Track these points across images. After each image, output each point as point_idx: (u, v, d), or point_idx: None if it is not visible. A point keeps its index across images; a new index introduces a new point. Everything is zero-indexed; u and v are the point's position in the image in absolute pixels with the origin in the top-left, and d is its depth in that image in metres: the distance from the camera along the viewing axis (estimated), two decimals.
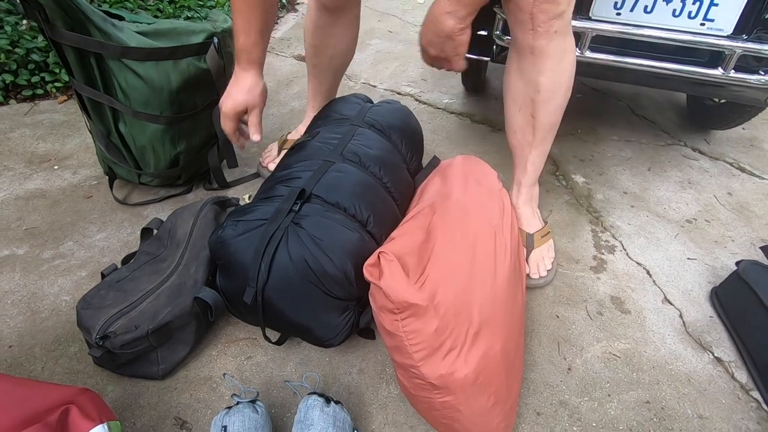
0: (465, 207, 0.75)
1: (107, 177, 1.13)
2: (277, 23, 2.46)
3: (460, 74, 1.81)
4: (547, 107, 0.87)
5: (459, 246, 0.67)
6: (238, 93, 0.85)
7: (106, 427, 0.52)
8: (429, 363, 0.59)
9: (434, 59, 0.79)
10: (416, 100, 1.70)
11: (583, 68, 0.98)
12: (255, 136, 0.88)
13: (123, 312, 0.71)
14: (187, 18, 1.94)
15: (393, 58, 1.98)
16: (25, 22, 1.52)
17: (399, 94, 1.72)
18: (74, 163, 1.24)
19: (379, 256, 0.61)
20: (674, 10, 0.99)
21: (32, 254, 0.96)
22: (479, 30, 1.20)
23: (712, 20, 0.98)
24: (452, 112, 1.63)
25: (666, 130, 1.58)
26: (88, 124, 1.06)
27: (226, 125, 0.87)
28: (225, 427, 0.61)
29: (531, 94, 0.86)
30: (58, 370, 0.76)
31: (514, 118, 0.93)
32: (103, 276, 0.81)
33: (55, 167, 1.22)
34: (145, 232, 0.91)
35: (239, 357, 0.80)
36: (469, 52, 1.32)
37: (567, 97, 0.89)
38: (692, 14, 0.99)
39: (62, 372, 0.76)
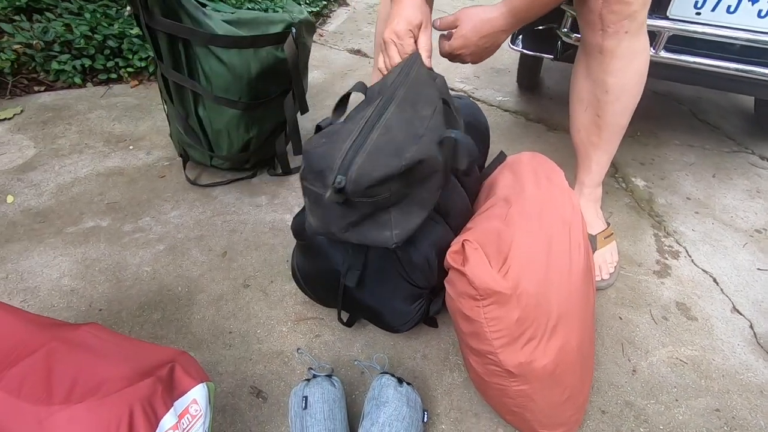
0: (540, 202, 0.76)
1: (180, 158, 1.19)
2: (329, 17, 2.50)
3: (515, 73, 1.80)
4: (614, 108, 0.86)
5: (537, 239, 0.68)
6: (408, 9, 0.72)
7: (205, 386, 0.56)
8: (508, 351, 0.60)
9: (459, 58, 0.80)
10: (469, 96, 1.70)
11: (655, 69, 0.96)
12: (428, 60, 0.75)
13: (357, 145, 0.57)
14: (265, 9, 2.00)
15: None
16: (128, 8, 1.61)
17: (452, 90, 1.73)
18: (147, 144, 1.31)
19: (463, 244, 0.63)
20: (760, 11, 0.96)
21: (114, 227, 1.03)
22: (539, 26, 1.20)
23: None
24: (506, 110, 1.62)
25: (731, 137, 1.52)
26: (166, 108, 1.12)
27: (396, 48, 0.73)
28: (306, 398, 0.64)
29: (598, 93, 0.85)
30: (144, 335, 0.81)
31: (580, 117, 0.92)
32: (319, 128, 0.65)
33: (130, 147, 1.29)
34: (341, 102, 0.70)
35: (308, 335, 0.83)
36: (531, 50, 1.32)
37: (637, 99, 0.87)
38: None
39: (147, 337, 0.81)
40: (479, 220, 0.72)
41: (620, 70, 0.82)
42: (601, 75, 0.83)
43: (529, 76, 1.74)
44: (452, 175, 0.82)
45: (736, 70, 1.03)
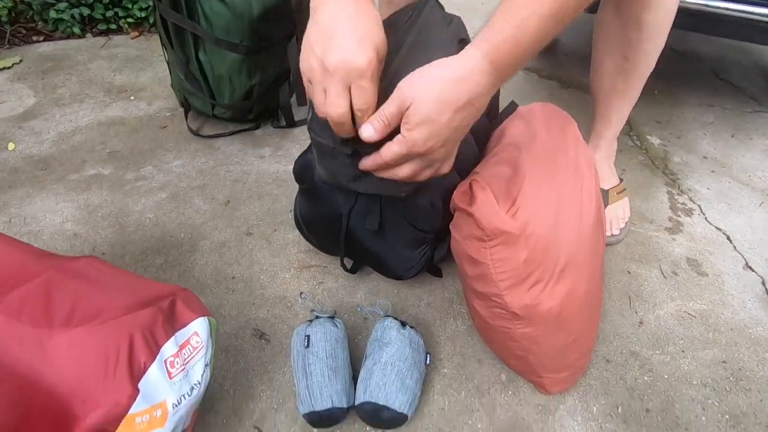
0: (551, 149, 0.73)
1: (181, 108, 1.16)
2: None
3: None
4: (644, 48, 0.81)
5: (547, 184, 0.65)
6: (371, 26, 0.47)
7: (206, 320, 0.56)
8: (514, 292, 0.59)
9: (423, 166, 0.51)
10: None
11: (679, 18, 0.90)
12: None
13: None
14: None
15: (455, 9, 1.90)
16: None
17: None
18: (149, 95, 1.28)
19: (471, 183, 0.61)
20: None
21: (116, 175, 1.02)
22: None
23: None
24: None
25: (754, 97, 1.46)
26: (166, 54, 1.08)
27: (363, 97, 0.47)
28: (308, 337, 0.64)
29: (629, 33, 0.81)
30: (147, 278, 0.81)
31: (604, 62, 0.88)
32: None
33: (132, 98, 1.26)
34: None
35: (311, 281, 0.82)
36: None
37: (665, 40, 0.83)
38: None
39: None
40: (488, 165, 0.70)
41: (657, 4, 0.77)
42: (635, 11, 0.78)
43: None
44: None
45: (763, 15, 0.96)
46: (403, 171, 0.51)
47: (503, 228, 0.57)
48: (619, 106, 0.91)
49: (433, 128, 0.46)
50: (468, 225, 0.61)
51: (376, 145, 0.50)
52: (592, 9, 1.01)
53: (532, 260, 0.58)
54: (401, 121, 0.47)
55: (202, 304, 0.58)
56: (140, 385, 0.45)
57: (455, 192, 0.62)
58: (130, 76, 1.35)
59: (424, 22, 0.64)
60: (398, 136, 0.48)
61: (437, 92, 0.45)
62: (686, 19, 1.04)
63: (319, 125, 0.57)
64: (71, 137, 1.11)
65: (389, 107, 0.47)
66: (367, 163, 0.52)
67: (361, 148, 0.52)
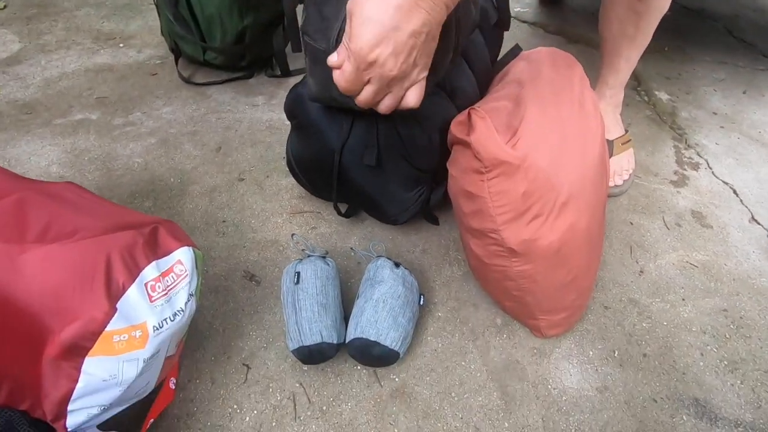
0: (556, 84, 0.69)
1: (172, 55, 1.12)
2: None
3: None
4: None
5: (550, 118, 0.62)
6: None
7: (191, 250, 0.53)
8: (512, 227, 0.57)
9: (378, 79, 0.45)
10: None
11: None
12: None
13: None
14: None
15: None
16: None
17: None
18: (138, 43, 1.23)
19: (469, 113, 0.57)
20: None
21: (104, 120, 0.98)
22: None
23: None
24: (524, 21, 1.50)
25: (767, 54, 1.40)
26: None
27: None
28: (298, 273, 0.62)
29: None
30: None
31: (615, 5, 0.83)
32: None
33: (121, 45, 1.22)
34: None
35: (304, 227, 0.80)
36: None
37: None
38: None
39: None
40: (489, 100, 0.66)
41: None
42: None
43: None
44: (464, 60, 0.75)
45: None
46: (363, 95, 0.46)
47: (502, 158, 0.54)
48: (628, 52, 0.87)
49: (374, 30, 0.41)
50: (465, 157, 0.58)
51: None
52: None
53: (532, 193, 0.56)
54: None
55: (186, 235, 0.56)
56: (119, 304, 0.43)
57: (453, 122, 0.59)
58: (119, 23, 1.30)
59: None
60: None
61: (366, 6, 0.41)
62: None
63: (315, 27, 0.53)
64: (57, 83, 1.07)
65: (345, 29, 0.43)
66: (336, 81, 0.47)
67: None
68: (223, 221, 0.80)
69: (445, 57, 0.59)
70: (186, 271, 0.52)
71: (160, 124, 0.98)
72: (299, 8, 1.05)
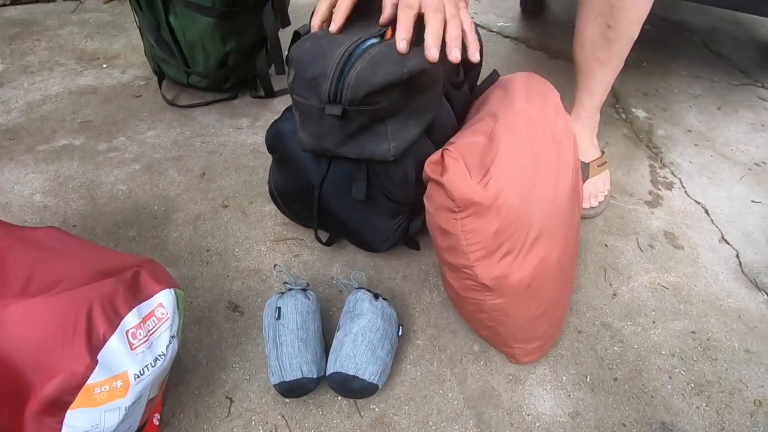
0: (529, 116, 0.71)
1: (156, 77, 1.12)
2: None
3: None
4: (627, 15, 0.79)
5: (522, 153, 0.64)
6: None
7: (173, 292, 0.55)
8: (484, 264, 0.59)
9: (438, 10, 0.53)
10: None
11: None
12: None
13: (353, 51, 0.54)
14: None
15: None
16: None
17: None
18: (122, 63, 1.23)
19: (442, 154, 0.59)
20: None
21: (88, 145, 0.99)
22: None
23: None
24: (506, 36, 1.52)
25: (742, 69, 1.44)
26: (137, 19, 1.04)
27: None
28: (279, 309, 0.64)
29: None
30: (120, 250, 0.80)
31: (587, 29, 0.86)
32: (297, 35, 0.61)
33: (104, 65, 1.22)
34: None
35: (287, 254, 0.82)
36: None
37: (649, 6, 0.80)
38: None
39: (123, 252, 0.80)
40: (463, 134, 0.68)
41: None
42: None
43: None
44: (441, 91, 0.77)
45: None
46: (430, 29, 0.53)
47: (474, 198, 0.56)
48: (602, 76, 0.90)
49: None
50: (439, 195, 0.60)
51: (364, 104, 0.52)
52: None
53: (504, 231, 0.58)
54: None
55: (168, 275, 0.57)
56: (99, 356, 0.44)
57: (427, 162, 0.61)
58: (103, 42, 1.30)
59: None
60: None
61: None
62: None
63: (303, 86, 0.55)
64: (40, 106, 1.07)
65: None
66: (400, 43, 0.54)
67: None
68: (207, 250, 0.81)
69: (436, 105, 0.61)
70: (167, 314, 0.53)
71: (145, 149, 0.99)
72: (281, 31, 1.06)
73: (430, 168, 0.60)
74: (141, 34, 1.08)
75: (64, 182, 0.91)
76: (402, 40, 0.54)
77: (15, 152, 0.96)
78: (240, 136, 1.04)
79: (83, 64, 1.22)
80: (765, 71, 1.43)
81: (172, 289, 0.55)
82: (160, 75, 1.09)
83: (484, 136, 0.67)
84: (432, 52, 0.53)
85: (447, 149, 0.60)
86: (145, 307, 0.52)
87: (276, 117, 1.09)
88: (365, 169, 0.65)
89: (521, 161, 0.62)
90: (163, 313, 0.53)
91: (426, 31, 0.53)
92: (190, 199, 0.90)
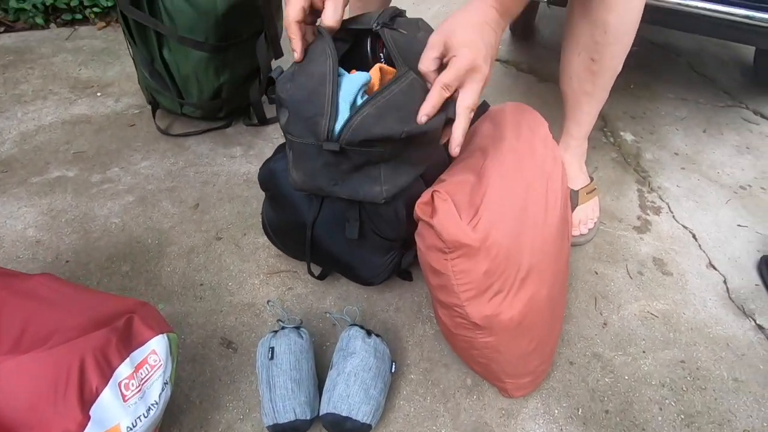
0: (518, 152, 0.73)
1: (149, 106, 1.13)
2: None
3: None
4: (611, 50, 0.81)
5: (511, 190, 0.66)
6: None
7: (166, 337, 0.55)
8: (475, 303, 0.60)
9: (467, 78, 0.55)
10: None
11: (651, 14, 0.90)
12: (330, 20, 0.60)
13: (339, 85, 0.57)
14: None
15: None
16: None
17: None
18: (116, 91, 1.24)
19: (432, 195, 0.60)
20: None
21: (82, 177, 0.99)
22: None
23: None
24: (498, 60, 1.55)
25: (727, 91, 1.47)
26: (131, 51, 1.05)
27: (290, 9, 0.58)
28: (272, 348, 0.64)
29: (596, 35, 0.80)
30: (112, 287, 0.80)
31: (573, 63, 0.88)
32: (272, 80, 0.63)
33: (98, 94, 1.23)
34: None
35: (281, 288, 0.82)
36: None
37: (632, 41, 0.83)
38: None
39: (116, 289, 0.80)
40: (453, 172, 0.70)
41: (622, 5, 0.77)
42: (601, 13, 0.78)
43: (523, 23, 1.65)
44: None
45: (739, 15, 0.97)
46: (465, 101, 0.56)
47: (463, 240, 0.57)
48: (588, 108, 0.91)
49: (472, 44, 0.54)
50: (430, 235, 0.61)
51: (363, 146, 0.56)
52: (564, 2, 1.00)
53: (493, 271, 0.59)
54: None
55: (161, 319, 0.58)
56: (92, 410, 0.45)
57: (417, 203, 0.62)
58: (97, 70, 1.31)
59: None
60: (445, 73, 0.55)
61: (472, 40, 0.54)
62: (661, 16, 1.04)
63: (300, 125, 0.56)
64: (34, 137, 1.08)
65: (428, 54, 0.56)
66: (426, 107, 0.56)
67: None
68: (201, 284, 0.82)
69: (432, 155, 0.63)
70: (160, 361, 0.54)
71: (138, 180, 1.00)
72: (274, 62, 1.07)
73: (420, 209, 0.61)
74: (135, 65, 1.09)
75: (57, 216, 0.91)
76: (424, 115, 0.56)
77: (8, 185, 0.96)
78: (234, 165, 1.05)
79: (77, 92, 1.22)
80: (749, 93, 1.46)
81: (164, 334, 0.56)
82: (154, 104, 1.10)
83: (473, 173, 0.68)
84: (455, 151, 0.57)
85: (437, 190, 0.61)
86: (138, 354, 0.52)
87: (269, 145, 1.11)
88: (358, 210, 0.66)
89: (510, 200, 0.64)
90: (156, 360, 0.53)
91: (455, 126, 0.56)
92: (183, 231, 0.90)
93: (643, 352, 0.78)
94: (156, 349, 0.54)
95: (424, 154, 0.64)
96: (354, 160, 0.59)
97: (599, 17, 0.78)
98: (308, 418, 0.60)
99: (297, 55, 0.61)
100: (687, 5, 0.98)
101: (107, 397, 0.46)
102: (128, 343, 0.52)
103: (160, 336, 0.55)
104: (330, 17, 0.60)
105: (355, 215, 0.67)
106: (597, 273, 0.90)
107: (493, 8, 0.57)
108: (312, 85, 0.56)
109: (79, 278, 0.81)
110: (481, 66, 0.54)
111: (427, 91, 0.56)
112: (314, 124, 0.56)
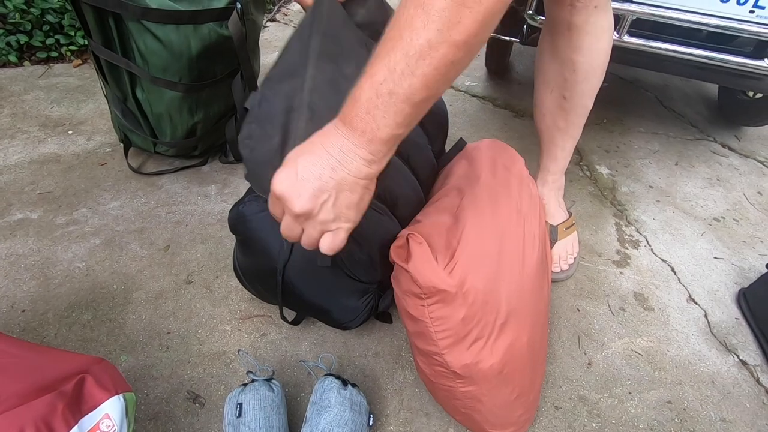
0: (494, 192, 0.72)
1: (122, 144, 1.11)
2: None
3: (483, 56, 1.75)
4: (581, 88, 0.83)
5: (488, 232, 0.64)
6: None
7: (122, 398, 0.51)
8: (454, 351, 0.57)
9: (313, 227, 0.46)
10: None
11: (619, 54, 0.93)
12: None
13: (288, 136, 0.56)
14: None
15: None
16: None
17: None
18: (88, 129, 1.21)
19: (408, 238, 0.59)
20: None
21: (46, 219, 0.95)
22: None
23: (762, 7, 0.92)
24: (474, 95, 1.58)
25: (695, 124, 1.52)
26: (104, 89, 1.03)
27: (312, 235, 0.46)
28: (240, 405, 0.60)
29: (565, 73, 0.82)
30: (72, 337, 0.75)
31: (545, 101, 0.89)
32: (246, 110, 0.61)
33: (69, 132, 1.20)
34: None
35: (253, 334, 0.78)
36: (497, 33, 1.28)
37: (601, 80, 0.85)
38: (741, 0, 0.93)
39: (75, 339, 0.75)
40: (428, 212, 0.68)
41: (588, 47, 0.79)
42: (569, 53, 0.80)
43: (498, 59, 1.70)
44: (403, 160, 0.77)
45: (700, 56, 1.01)
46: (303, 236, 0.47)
47: (440, 286, 0.55)
48: (563, 142, 0.93)
49: (289, 183, 0.43)
50: (406, 280, 0.59)
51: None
52: (535, 42, 1.03)
53: (471, 317, 0.57)
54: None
55: (117, 377, 0.54)
56: None
57: (392, 246, 0.60)
58: (70, 108, 1.28)
59: (328, 20, 0.58)
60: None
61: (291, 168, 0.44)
62: (629, 56, 1.08)
63: (251, 178, 0.55)
64: None
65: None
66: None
67: None
68: (168, 333, 0.77)
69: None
70: (114, 425, 0.49)
71: (106, 221, 0.96)
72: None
73: (395, 252, 0.59)
74: (108, 104, 1.07)
75: (15, 261, 0.86)
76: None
77: None
78: (208, 205, 1.02)
79: (47, 131, 1.19)
80: (715, 126, 1.52)
81: (120, 395, 0.51)
82: (127, 143, 1.08)
83: (449, 214, 0.67)
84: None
85: (412, 233, 0.59)
86: (89, 420, 0.48)
87: (244, 183, 1.09)
88: (278, 253, 0.64)
89: (487, 243, 0.62)
90: (109, 425, 0.49)
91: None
92: (152, 275, 0.86)
93: (629, 393, 0.75)
94: (110, 412, 0.49)
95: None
96: None
97: (567, 57, 0.80)
98: None
99: None
100: (651, 47, 1.02)
101: None
102: (77, 408, 0.47)
103: (115, 398, 0.50)
104: None
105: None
106: (579, 310, 0.88)
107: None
108: (262, 136, 0.54)
109: (34, 329, 0.75)
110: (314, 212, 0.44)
111: (329, 83, 0.56)
112: (261, 181, 0.53)
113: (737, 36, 0.96)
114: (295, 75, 0.57)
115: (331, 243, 0.46)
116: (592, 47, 0.79)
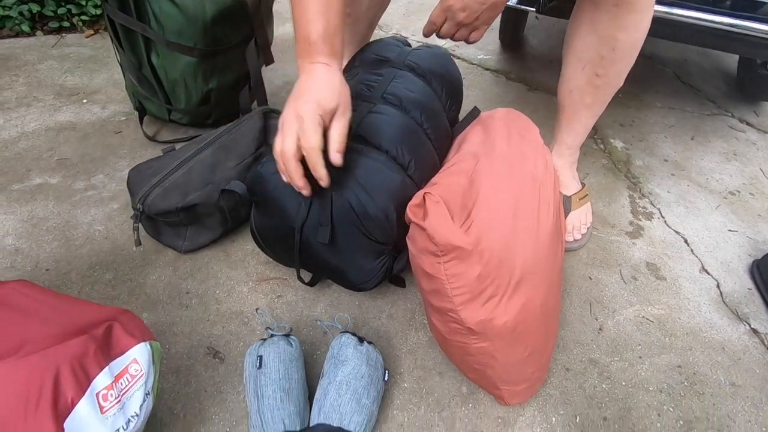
0: (509, 158, 0.72)
1: (136, 113, 1.11)
2: None
3: (497, 30, 1.72)
4: (618, 68, 0.81)
5: (503, 195, 0.65)
6: (322, 89, 0.59)
7: (148, 345, 0.53)
8: (469, 308, 0.58)
9: (458, 26, 0.70)
10: (450, 54, 1.62)
11: None
12: (337, 156, 0.60)
13: (160, 182, 0.78)
14: None
15: (426, 9, 1.88)
16: None
17: (428, 46, 1.65)
18: (103, 98, 1.22)
19: (424, 197, 0.59)
20: None
21: (65, 184, 0.97)
22: None
23: None
24: (487, 69, 1.56)
25: (712, 99, 1.50)
26: (118, 56, 1.03)
27: (310, 138, 0.57)
28: (260, 357, 0.62)
29: (603, 51, 0.79)
30: (94, 295, 0.77)
31: (575, 77, 0.86)
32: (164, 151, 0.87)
33: (84, 101, 1.21)
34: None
35: (270, 295, 0.80)
36: (513, 2, 1.25)
37: (635, 58, 0.82)
38: None
39: (98, 297, 0.77)
40: (444, 175, 0.69)
41: (634, 25, 0.75)
42: (611, 30, 0.76)
43: (512, 33, 1.67)
44: (418, 125, 0.77)
45: (725, 24, 0.98)
46: (443, 28, 0.72)
47: (456, 243, 0.56)
48: (586, 119, 0.91)
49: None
50: (422, 239, 0.60)
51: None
52: (562, 14, 1.01)
53: (486, 275, 0.57)
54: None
55: (143, 327, 0.55)
56: (66, 423, 0.42)
57: (409, 205, 0.61)
58: (83, 77, 1.29)
59: (243, 127, 0.89)
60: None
61: None
62: (652, 26, 1.06)
63: (131, 195, 0.77)
64: (16, 144, 1.05)
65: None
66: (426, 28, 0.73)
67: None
68: (187, 293, 0.79)
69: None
70: (142, 370, 0.51)
71: (123, 186, 0.97)
72: (264, 68, 1.07)
73: (411, 211, 0.60)
74: (122, 71, 1.07)
75: (38, 224, 0.88)
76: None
77: None
78: None
79: (62, 99, 1.20)
80: (733, 101, 1.49)
81: (147, 342, 0.53)
82: (141, 111, 1.08)
83: (465, 177, 0.67)
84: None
85: (428, 192, 0.60)
86: (118, 364, 0.50)
87: None
88: (329, 214, 0.65)
89: (502, 206, 0.63)
90: (137, 370, 0.51)
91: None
92: None
93: (640, 357, 0.76)
94: (137, 357, 0.51)
95: (214, 221, 0.83)
96: (161, 225, 0.83)
97: (609, 34, 0.77)
98: (298, 429, 0.57)
99: (306, 191, 0.61)
100: (672, 14, 1.00)
101: (83, 409, 0.44)
102: (107, 351, 0.49)
103: (142, 344, 0.52)
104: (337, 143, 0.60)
105: (327, 221, 0.66)
106: (591, 278, 0.89)
107: None
108: (149, 174, 0.80)
109: (59, 287, 0.78)
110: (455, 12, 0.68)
111: (209, 166, 0.82)
112: (134, 199, 0.78)
113: (764, 2, 0.93)
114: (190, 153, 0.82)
115: (477, 35, 0.72)
116: (638, 25, 0.76)
